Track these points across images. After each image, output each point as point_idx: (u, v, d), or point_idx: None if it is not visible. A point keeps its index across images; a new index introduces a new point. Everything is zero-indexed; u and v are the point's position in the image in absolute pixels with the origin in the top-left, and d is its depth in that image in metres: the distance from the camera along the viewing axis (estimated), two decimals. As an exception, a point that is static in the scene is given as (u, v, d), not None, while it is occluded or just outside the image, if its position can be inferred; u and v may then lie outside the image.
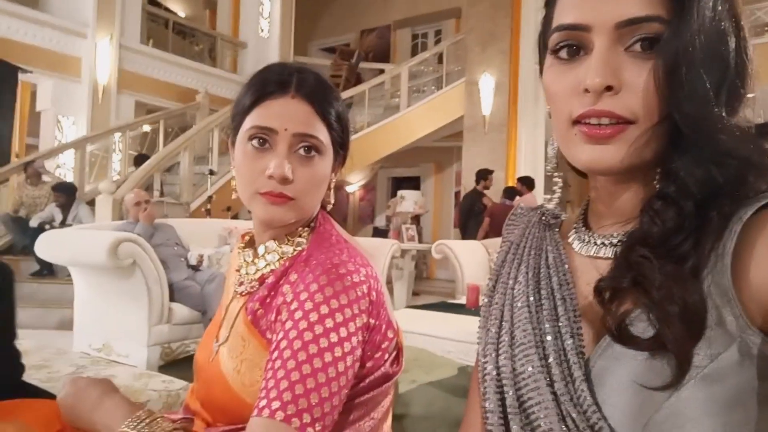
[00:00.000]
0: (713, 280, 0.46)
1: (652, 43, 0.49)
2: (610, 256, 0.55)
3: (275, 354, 0.71)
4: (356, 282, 0.75)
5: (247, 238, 0.93)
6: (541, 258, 0.62)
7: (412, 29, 11.72)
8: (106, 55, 7.83)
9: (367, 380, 0.80)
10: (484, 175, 6.77)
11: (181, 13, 11.74)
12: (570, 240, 0.62)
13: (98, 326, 3.43)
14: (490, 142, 7.69)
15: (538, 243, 0.65)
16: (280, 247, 0.84)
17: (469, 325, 2.77)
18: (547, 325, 0.55)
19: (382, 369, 0.81)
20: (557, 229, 0.66)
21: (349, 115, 0.89)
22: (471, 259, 5.23)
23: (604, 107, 0.49)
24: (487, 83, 7.67)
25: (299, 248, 0.83)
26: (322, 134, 0.81)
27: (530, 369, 0.54)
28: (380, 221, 10.46)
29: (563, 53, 0.53)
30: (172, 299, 3.39)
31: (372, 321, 0.77)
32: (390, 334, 0.82)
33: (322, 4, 12.44)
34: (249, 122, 0.80)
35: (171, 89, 9.02)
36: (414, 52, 11.21)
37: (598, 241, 0.58)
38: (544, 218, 0.68)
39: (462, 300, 3.74)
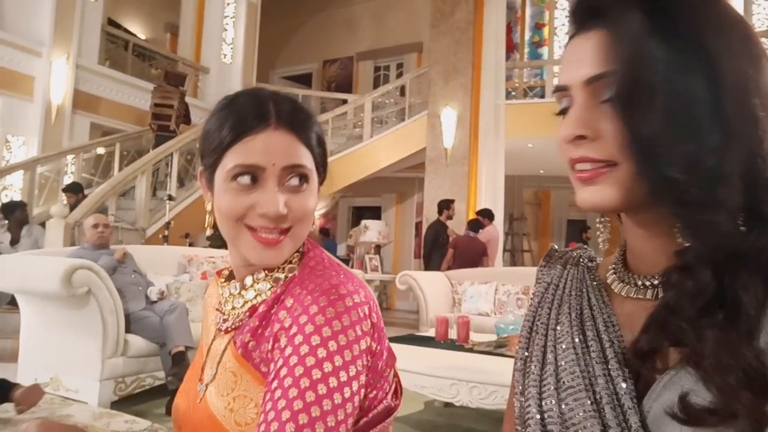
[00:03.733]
0: None
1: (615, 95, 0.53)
2: (650, 297, 0.56)
3: (275, 383, 0.65)
4: (357, 303, 0.71)
5: (226, 272, 0.88)
6: (582, 299, 0.61)
7: (375, 61, 11.89)
8: (62, 75, 7.59)
9: (371, 414, 0.75)
10: (446, 204, 6.83)
11: (141, 35, 11.57)
12: (609, 281, 0.62)
13: (46, 359, 3.23)
14: (451, 174, 7.79)
15: (579, 284, 0.64)
16: (271, 275, 0.79)
17: (442, 359, 2.74)
18: (597, 368, 0.54)
19: (385, 402, 0.77)
20: (594, 271, 0.66)
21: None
22: (435, 291, 5.23)
23: (581, 153, 0.54)
24: (449, 116, 7.80)
25: (291, 273, 0.79)
26: (308, 161, 0.77)
27: (581, 414, 0.52)
28: (340, 250, 10.39)
29: (559, 110, 0.58)
30: (128, 330, 3.23)
31: (374, 345, 0.73)
32: (390, 362, 0.78)
33: (286, 33, 12.51)
34: (231, 161, 0.75)
35: (128, 111, 8.80)
36: (376, 84, 11.35)
37: (639, 283, 0.57)
38: (582, 261, 0.68)
39: (428, 332, 3.71)
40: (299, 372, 0.64)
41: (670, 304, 0.50)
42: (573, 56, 0.56)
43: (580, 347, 0.56)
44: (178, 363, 3.18)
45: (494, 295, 5.17)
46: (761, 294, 0.46)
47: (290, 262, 0.80)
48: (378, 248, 7.71)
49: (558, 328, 0.60)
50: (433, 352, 2.92)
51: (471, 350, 2.94)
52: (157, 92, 7.86)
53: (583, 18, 0.56)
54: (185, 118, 8.00)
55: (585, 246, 0.72)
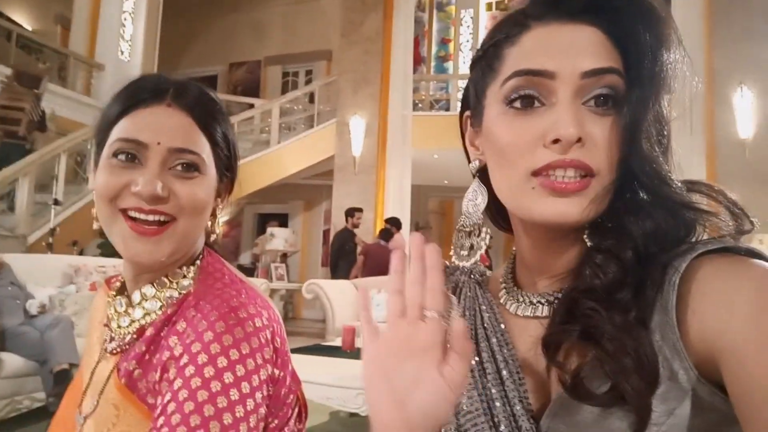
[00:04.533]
0: (662, 334, 0.46)
1: (606, 100, 0.50)
2: (547, 315, 0.54)
3: (161, 420, 0.59)
4: (258, 327, 0.65)
5: (117, 284, 0.79)
6: (476, 318, 0.59)
7: (283, 67, 11.72)
8: (-71, 64, 6.81)
9: None
10: (351, 212, 6.84)
11: (28, 26, 10.67)
12: (502, 300, 0.60)
13: None
14: (359, 183, 7.81)
15: (471, 303, 0.61)
16: (161, 292, 0.71)
17: (348, 369, 2.70)
18: (494, 391, 0.52)
19: (287, 429, 0.72)
20: (486, 287, 0.63)
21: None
22: (342, 299, 5.20)
23: (575, 157, 0.48)
24: (357, 125, 7.84)
25: (184, 291, 0.71)
26: (203, 150, 0.70)
27: None
28: (245, 259, 10.08)
29: (518, 104, 0.51)
30: (2, 348, 2.93)
31: (277, 372, 0.68)
32: (293, 387, 0.73)
33: (191, 33, 12.02)
34: (115, 134, 0.68)
35: (10, 108, 8.05)
36: (285, 89, 11.18)
37: (534, 300, 0.56)
38: (473, 276, 0.64)
39: (335, 342, 3.66)
40: (190, 408, 0.58)
41: (585, 283, 0.49)
42: (559, 44, 0.51)
43: (477, 370, 0.55)
44: (61, 382, 2.91)
45: (401, 303, 5.21)
46: (658, 277, 0.47)
47: (184, 276, 0.72)
48: (285, 257, 7.56)
49: None
50: (338, 362, 2.89)
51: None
52: (4, 92, 6.66)
53: (574, 9, 0.51)
54: (40, 125, 6.87)
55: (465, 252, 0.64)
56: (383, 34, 8.06)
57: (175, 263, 0.72)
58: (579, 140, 0.48)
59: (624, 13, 0.50)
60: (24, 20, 10.85)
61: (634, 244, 0.48)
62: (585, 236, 0.52)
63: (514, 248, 0.62)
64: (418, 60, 10.08)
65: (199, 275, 0.73)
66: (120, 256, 0.71)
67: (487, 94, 0.55)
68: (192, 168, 0.69)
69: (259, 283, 4.29)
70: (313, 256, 10.31)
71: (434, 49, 10.80)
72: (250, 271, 8.04)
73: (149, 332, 0.69)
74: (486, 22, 10.33)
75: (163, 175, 0.67)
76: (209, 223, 0.77)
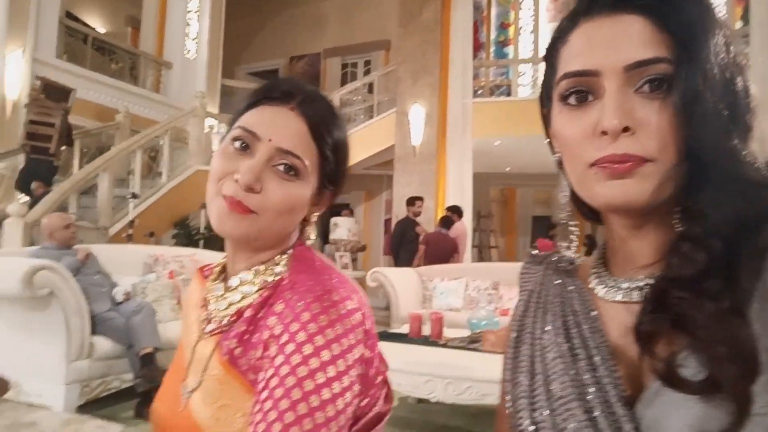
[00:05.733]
0: (763, 322, 0.45)
1: (660, 84, 0.50)
2: (637, 300, 0.54)
3: (265, 393, 0.63)
4: (351, 309, 0.68)
5: (217, 269, 0.84)
6: (565, 306, 0.60)
7: (342, 58, 11.83)
8: (17, 69, 7.31)
9: (362, 422, 0.73)
10: (412, 201, 6.84)
11: (101, 29, 11.24)
12: (592, 285, 0.60)
13: (6, 362, 3.10)
14: (420, 172, 7.81)
15: (560, 290, 0.62)
16: (257, 277, 0.76)
17: (416, 355, 2.74)
18: (587, 376, 0.53)
19: (376, 408, 0.75)
20: (575, 275, 0.64)
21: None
22: (406, 287, 5.24)
23: (623, 150, 0.49)
24: (417, 114, 7.82)
25: (278, 276, 0.75)
26: (309, 160, 0.73)
27: (574, 424, 0.51)
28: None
29: (572, 99, 0.54)
30: (93, 332, 3.13)
31: (367, 353, 0.70)
32: (382, 368, 0.76)
33: (252, 28, 12.33)
34: (240, 122, 0.74)
35: (88, 107, 8.53)
36: (344, 81, 11.29)
37: (624, 286, 0.56)
38: (561, 264, 0.65)
39: (402, 329, 3.71)
40: (291, 382, 0.62)
41: (673, 273, 0.49)
42: (602, 40, 0.52)
43: (568, 356, 0.55)
44: (147, 365, 3.10)
45: (464, 291, 5.21)
46: (756, 264, 0.46)
47: (278, 264, 0.77)
48: (354, 248, 7.65)
49: (544, 337, 0.59)
50: (407, 349, 2.92)
51: (445, 346, 2.95)
52: (33, 107, 6.44)
53: (612, 2, 0.52)
54: (68, 139, 6.64)
55: (566, 243, 0.66)
56: (441, 23, 7.99)
57: (269, 251, 0.77)
58: (627, 129, 0.49)
59: None
60: (97, 23, 11.43)
61: (721, 231, 0.47)
62: (674, 221, 0.52)
63: (605, 235, 0.63)
64: (477, 46, 9.93)
65: (292, 262, 0.77)
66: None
67: (552, 93, 0.57)
68: (292, 170, 0.73)
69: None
70: (376, 245, 10.42)
71: (493, 34, 10.61)
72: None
73: (248, 313, 0.73)
74: (546, 4, 10.04)
75: (264, 170, 0.71)
76: (305, 227, 0.81)
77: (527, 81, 9.38)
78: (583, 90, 0.52)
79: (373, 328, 0.73)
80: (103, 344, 3.14)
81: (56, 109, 6.49)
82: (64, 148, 6.65)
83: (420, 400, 3.29)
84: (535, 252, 0.73)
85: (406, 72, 8.08)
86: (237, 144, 0.72)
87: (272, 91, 0.75)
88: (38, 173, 6.15)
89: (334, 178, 0.79)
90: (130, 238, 5.82)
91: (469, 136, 7.71)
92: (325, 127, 0.76)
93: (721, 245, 0.47)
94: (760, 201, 0.47)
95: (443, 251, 6.24)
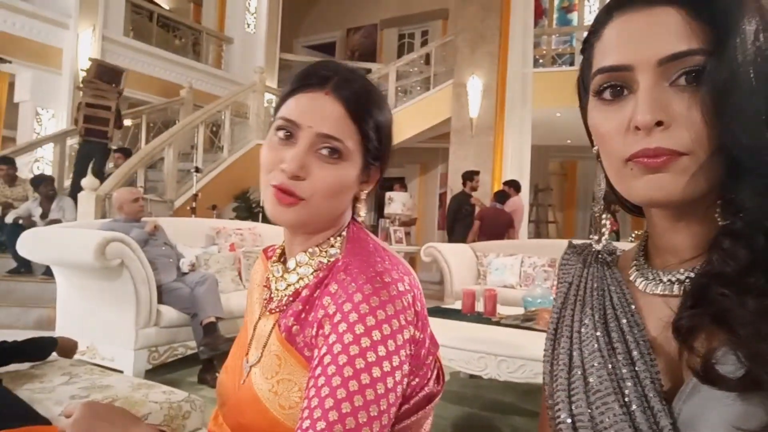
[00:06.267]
0: None
1: (697, 75, 0.49)
2: (678, 293, 0.54)
3: (318, 370, 0.66)
4: (401, 291, 0.70)
5: (278, 251, 0.87)
6: (605, 298, 0.60)
7: (399, 29, 11.70)
8: (88, 47, 7.64)
9: (412, 401, 0.75)
10: (470, 176, 6.78)
11: (165, 6, 11.54)
12: (632, 278, 0.60)
13: (82, 328, 3.33)
14: (477, 145, 7.70)
15: (600, 283, 0.62)
16: (313, 259, 0.79)
17: (469, 331, 2.75)
18: (624, 370, 0.53)
19: (426, 388, 0.77)
20: (615, 267, 0.64)
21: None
22: (460, 263, 5.22)
23: (657, 144, 0.49)
24: (475, 86, 7.67)
25: (333, 258, 0.78)
26: (351, 140, 0.75)
27: (611, 418, 0.51)
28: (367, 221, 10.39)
29: (607, 94, 0.53)
30: (160, 301, 3.31)
31: (417, 334, 0.72)
32: (432, 349, 0.77)
33: (309, 1, 12.35)
34: (280, 112, 0.76)
35: (154, 83, 8.86)
36: (400, 53, 11.19)
37: (665, 279, 0.56)
38: (601, 256, 0.65)
39: (454, 305, 3.72)
40: (343, 360, 0.64)
41: (714, 269, 0.49)
42: (635, 34, 0.51)
43: (606, 350, 0.55)
44: (210, 333, 3.25)
45: (520, 267, 5.15)
46: None
47: (332, 246, 0.80)
48: (407, 223, 7.67)
49: (582, 330, 0.59)
50: (460, 325, 2.93)
51: (498, 323, 2.94)
52: (88, 89, 6.27)
53: None
54: (118, 121, 6.49)
55: (597, 236, 0.65)
56: (502, -12, 7.74)
57: (323, 233, 0.79)
58: (660, 124, 0.48)
59: None
60: (162, 0, 11.74)
61: (763, 226, 0.47)
62: (716, 215, 0.51)
63: (646, 228, 0.61)
64: (540, 12, 9.58)
65: (346, 244, 0.79)
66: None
67: (588, 87, 0.57)
68: (335, 153, 0.74)
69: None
70: (430, 220, 10.41)
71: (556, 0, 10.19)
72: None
73: (305, 293, 0.76)
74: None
75: (308, 156, 0.73)
76: (356, 204, 0.83)
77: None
78: (618, 85, 0.52)
79: (424, 310, 0.75)
80: (169, 312, 3.31)
81: (110, 91, 6.37)
82: (116, 130, 6.60)
83: (472, 376, 3.31)
84: (575, 242, 0.72)
85: (464, 41, 7.91)
86: (281, 134, 0.75)
87: (308, 77, 0.76)
88: (91, 155, 6.21)
89: (379, 155, 0.81)
90: (193, 211, 6.05)
91: (529, 108, 7.50)
92: (363, 106, 0.77)
93: (764, 241, 0.46)
94: None
95: (498, 226, 6.17)
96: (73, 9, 7.53)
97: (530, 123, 7.53)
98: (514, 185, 6.66)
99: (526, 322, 2.94)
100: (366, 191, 0.83)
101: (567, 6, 10.19)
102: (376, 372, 0.64)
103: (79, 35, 7.55)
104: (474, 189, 6.75)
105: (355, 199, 0.83)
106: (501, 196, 6.43)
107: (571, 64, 8.69)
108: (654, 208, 0.55)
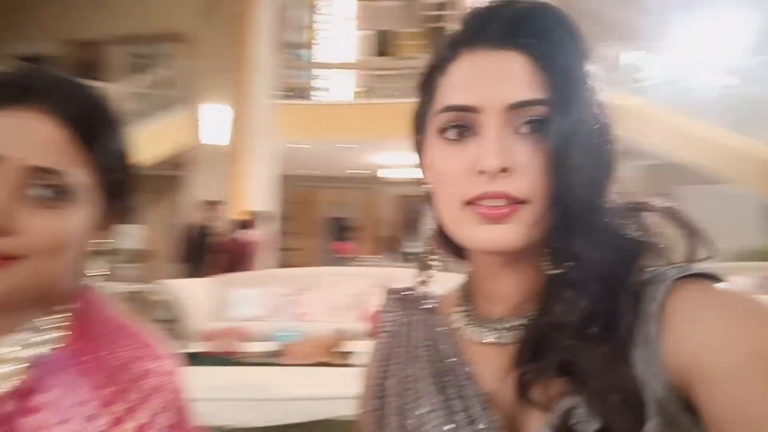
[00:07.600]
0: (645, 366, 0.45)
1: (541, 125, 0.49)
2: (509, 342, 0.53)
3: None
4: (155, 385, 0.59)
5: None
6: (436, 350, 0.57)
7: (132, 47, 10.81)
8: None
9: None
10: (206, 205, 6.52)
11: None
12: (460, 326, 0.58)
13: None
14: (218, 174, 7.47)
15: (426, 332, 0.60)
16: (24, 350, 0.56)
17: (212, 378, 2.49)
18: (466, 430, 0.51)
19: None
20: (438, 314, 0.62)
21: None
22: (200, 299, 4.94)
23: (500, 188, 0.49)
24: (216, 113, 7.48)
25: (53, 346, 0.57)
26: (80, 173, 0.56)
27: None
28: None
29: (451, 134, 0.52)
30: None
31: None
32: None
33: (19, 4, 10.61)
34: None
35: None
36: (133, 73, 10.30)
37: (497, 326, 0.55)
38: (422, 302, 0.63)
39: (193, 348, 3.39)
40: None
41: (555, 318, 0.49)
42: (485, 75, 0.50)
43: (443, 408, 0.53)
44: None
45: (265, 299, 5.03)
46: (632, 307, 0.47)
47: (51, 327, 0.59)
48: (138, 258, 6.97)
49: (417, 386, 0.56)
50: (202, 371, 2.66)
51: (240, 364, 2.79)
52: None
53: (499, 34, 0.51)
54: None
55: (423, 278, 0.63)
56: (245, 17, 7.75)
57: (36, 311, 0.59)
58: (504, 170, 0.48)
59: (550, 38, 0.50)
60: None
61: (598, 275, 0.48)
62: (542, 262, 0.52)
63: (467, 271, 0.61)
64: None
65: (74, 321, 0.61)
66: None
67: (427, 123, 0.55)
68: (56, 194, 0.56)
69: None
70: (165, 253, 9.66)
71: (293, 36, 10.64)
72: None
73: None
74: (356, 12, 10.38)
75: (14, 201, 0.53)
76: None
77: (330, 85, 9.60)
78: (461, 125, 0.52)
79: (184, 394, 0.63)
80: None
81: None
82: None
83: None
84: (394, 287, 0.69)
85: (206, 67, 7.73)
86: None
87: (8, 90, 0.55)
88: None
89: (121, 190, 0.63)
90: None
91: (272, 138, 7.65)
92: (97, 126, 0.58)
93: (601, 289, 0.48)
94: (623, 250, 0.49)
95: (241, 257, 6.00)
96: None
97: (273, 152, 7.65)
98: (254, 215, 6.60)
99: (271, 357, 2.86)
100: (106, 238, 0.64)
101: (303, 43, 10.73)
102: None
103: None
104: (212, 219, 6.48)
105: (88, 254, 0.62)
106: (242, 227, 6.30)
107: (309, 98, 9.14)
108: (488, 254, 0.54)
